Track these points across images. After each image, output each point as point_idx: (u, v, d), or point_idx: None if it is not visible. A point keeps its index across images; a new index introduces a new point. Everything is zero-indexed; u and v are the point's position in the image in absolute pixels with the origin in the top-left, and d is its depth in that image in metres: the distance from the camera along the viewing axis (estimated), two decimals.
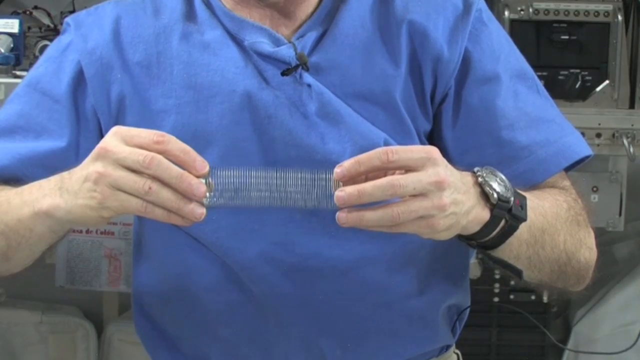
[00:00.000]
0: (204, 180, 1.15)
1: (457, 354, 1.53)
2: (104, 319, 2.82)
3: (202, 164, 1.15)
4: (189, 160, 1.15)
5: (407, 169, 1.15)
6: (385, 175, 1.15)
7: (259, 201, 1.18)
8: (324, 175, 1.16)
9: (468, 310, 1.50)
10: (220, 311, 1.40)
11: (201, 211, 1.15)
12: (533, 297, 2.67)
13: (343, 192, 1.13)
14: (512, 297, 2.70)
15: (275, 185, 1.17)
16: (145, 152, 1.14)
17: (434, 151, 1.16)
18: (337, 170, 1.14)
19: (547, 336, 2.72)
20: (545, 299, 2.67)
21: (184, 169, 1.15)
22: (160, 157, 1.14)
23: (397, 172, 1.15)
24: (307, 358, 1.40)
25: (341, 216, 1.14)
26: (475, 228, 1.23)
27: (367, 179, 1.15)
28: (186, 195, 1.14)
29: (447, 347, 1.49)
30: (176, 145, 1.16)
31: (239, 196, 1.17)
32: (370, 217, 1.14)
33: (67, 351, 2.74)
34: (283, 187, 1.17)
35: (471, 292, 1.52)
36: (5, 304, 2.76)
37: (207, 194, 1.16)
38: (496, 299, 2.69)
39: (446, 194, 1.15)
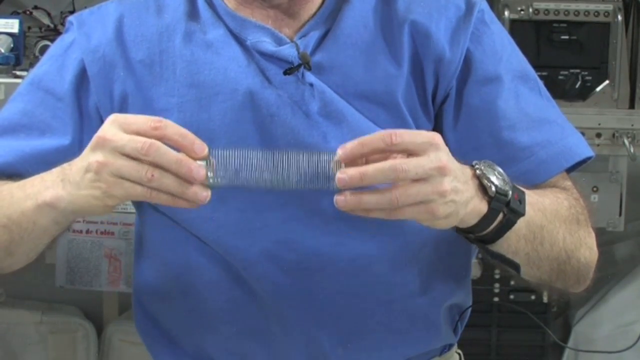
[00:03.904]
0: (204, 163, 1.15)
1: (459, 354, 1.54)
2: (104, 319, 2.82)
3: (201, 147, 1.15)
4: (188, 143, 1.15)
5: (410, 153, 1.15)
6: (386, 158, 1.15)
7: (259, 179, 1.16)
8: (326, 157, 1.16)
9: (470, 309, 1.50)
10: (222, 309, 1.40)
11: (205, 194, 1.15)
12: (533, 297, 2.67)
13: (345, 174, 1.13)
14: (512, 297, 2.70)
15: (276, 164, 1.16)
16: (143, 139, 1.14)
17: (437, 137, 1.16)
18: (340, 151, 1.14)
19: (547, 336, 2.72)
20: (545, 299, 2.67)
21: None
22: (158, 143, 1.14)
23: (399, 156, 1.15)
24: (309, 356, 1.40)
25: (340, 199, 1.14)
26: (473, 220, 1.23)
27: (367, 161, 1.15)
28: (187, 180, 1.14)
29: (449, 346, 1.50)
30: (174, 129, 1.15)
31: (239, 177, 1.16)
32: (369, 199, 1.14)
33: (67, 351, 2.74)
34: (284, 166, 1.16)
35: (471, 292, 1.52)
36: (5, 304, 2.76)
37: (210, 174, 1.15)
38: (496, 299, 2.69)
39: (447, 180, 1.15)
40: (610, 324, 2.71)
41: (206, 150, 1.16)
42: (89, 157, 1.17)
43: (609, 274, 2.77)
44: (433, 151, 1.14)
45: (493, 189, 1.22)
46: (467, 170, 1.22)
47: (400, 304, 1.40)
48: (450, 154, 1.17)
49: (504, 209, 1.24)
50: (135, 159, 1.14)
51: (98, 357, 2.76)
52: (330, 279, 1.37)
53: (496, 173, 1.23)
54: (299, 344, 1.40)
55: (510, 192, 1.23)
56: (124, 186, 1.16)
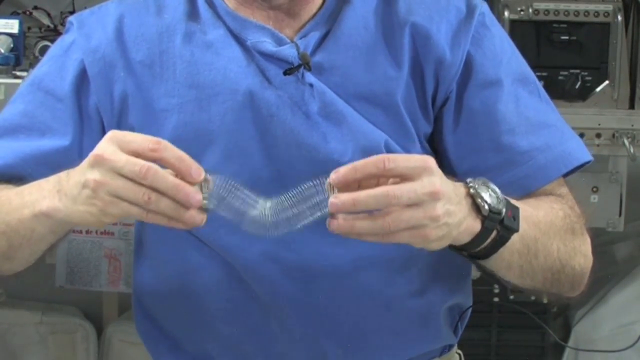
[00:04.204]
0: (201, 186, 1.15)
1: (459, 354, 1.54)
2: (104, 319, 2.82)
3: (198, 172, 1.15)
4: (184, 168, 1.14)
5: (403, 178, 1.14)
6: (379, 181, 1.15)
7: (252, 227, 1.17)
8: (319, 181, 1.16)
9: (470, 310, 1.50)
10: (222, 310, 1.40)
11: (201, 217, 1.15)
12: (533, 297, 2.67)
13: (337, 200, 1.13)
14: (512, 297, 2.70)
15: (270, 208, 1.17)
16: (141, 162, 1.14)
17: (430, 161, 1.15)
18: (333, 176, 1.14)
19: (547, 336, 2.72)
20: (545, 299, 2.67)
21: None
22: (155, 167, 1.14)
23: (392, 180, 1.15)
24: (309, 357, 1.41)
25: (332, 223, 1.14)
26: (466, 239, 1.22)
27: (360, 185, 1.14)
28: (183, 205, 1.14)
29: (449, 346, 1.50)
30: (172, 153, 1.15)
31: (233, 212, 1.17)
32: (362, 225, 1.14)
33: (67, 351, 2.74)
34: (277, 210, 1.16)
35: (471, 292, 1.52)
36: (5, 304, 2.76)
37: (205, 197, 1.15)
38: (496, 299, 2.69)
39: (440, 204, 1.14)
40: (610, 324, 2.71)
41: (203, 175, 1.15)
42: (87, 173, 1.16)
43: (609, 274, 2.77)
44: (426, 176, 1.14)
45: (486, 207, 1.22)
46: (461, 190, 1.21)
47: (400, 304, 1.40)
48: (443, 176, 1.17)
49: (498, 227, 1.23)
50: (133, 181, 1.14)
51: (98, 358, 2.76)
52: (330, 280, 1.37)
53: (490, 191, 1.22)
54: (298, 345, 1.40)
55: (503, 210, 1.23)
56: (120, 206, 1.15)
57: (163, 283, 1.44)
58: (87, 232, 2.59)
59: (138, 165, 1.13)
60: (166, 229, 1.37)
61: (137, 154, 1.14)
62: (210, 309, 1.41)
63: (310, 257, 1.36)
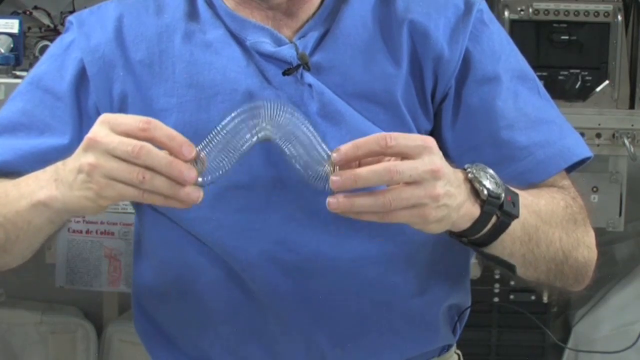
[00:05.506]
0: (195, 162, 1.15)
1: (458, 354, 1.53)
2: (104, 319, 2.82)
3: (189, 149, 1.15)
4: (176, 146, 1.15)
5: (404, 156, 1.14)
6: (379, 162, 1.15)
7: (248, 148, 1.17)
8: (321, 157, 1.15)
9: (469, 310, 1.50)
10: (221, 309, 1.40)
11: (197, 194, 1.15)
12: (533, 297, 2.67)
13: (338, 177, 1.13)
14: (512, 297, 2.70)
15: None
16: (133, 142, 1.14)
17: (430, 140, 1.16)
18: (335, 154, 1.14)
19: (547, 336, 2.72)
20: (545, 299, 2.67)
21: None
22: (148, 146, 1.14)
23: (393, 158, 1.15)
24: (308, 356, 1.40)
25: (332, 201, 1.14)
26: (465, 224, 1.23)
27: (360, 166, 1.14)
28: (178, 182, 1.14)
29: (448, 346, 1.50)
30: (162, 131, 1.15)
31: (231, 161, 1.17)
32: (362, 202, 1.13)
33: (67, 351, 2.74)
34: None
35: (471, 292, 1.52)
36: (5, 304, 2.76)
37: (201, 175, 1.15)
38: (496, 299, 2.69)
39: (440, 183, 1.15)
40: (610, 324, 2.71)
41: (194, 152, 1.15)
42: (81, 158, 1.17)
43: (609, 274, 2.77)
44: (427, 155, 1.14)
45: (485, 192, 1.22)
46: (459, 174, 1.21)
47: (398, 304, 1.40)
48: (443, 157, 1.17)
49: (497, 212, 1.23)
50: (127, 161, 1.14)
51: (98, 357, 2.76)
52: (329, 280, 1.37)
53: (488, 176, 1.23)
54: (297, 345, 1.40)
55: (502, 195, 1.23)
56: (116, 188, 1.16)
57: (162, 283, 1.44)
58: (87, 232, 2.59)
59: (130, 145, 1.14)
60: (165, 228, 1.39)
61: (128, 135, 1.15)
62: (209, 309, 1.41)
63: (309, 256, 1.36)
